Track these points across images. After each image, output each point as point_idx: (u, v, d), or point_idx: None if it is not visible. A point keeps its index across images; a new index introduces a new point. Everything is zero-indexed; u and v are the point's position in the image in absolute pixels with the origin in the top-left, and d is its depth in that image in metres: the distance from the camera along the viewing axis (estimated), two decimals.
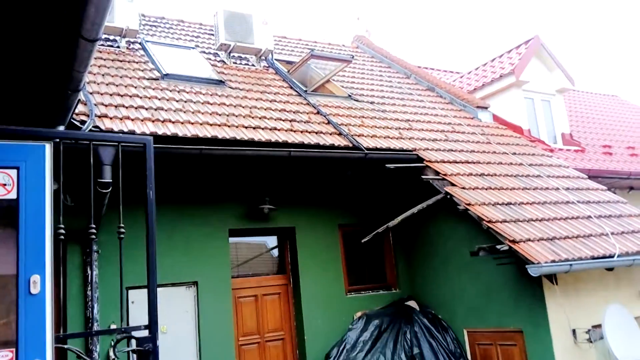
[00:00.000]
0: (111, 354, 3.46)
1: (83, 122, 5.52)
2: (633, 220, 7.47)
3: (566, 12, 40.20)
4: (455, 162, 7.74)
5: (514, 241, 6.02)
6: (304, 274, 7.68)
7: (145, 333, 3.55)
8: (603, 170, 10.09)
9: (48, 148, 3.53)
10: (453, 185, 7.01)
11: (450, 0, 41.41)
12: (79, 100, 5.60)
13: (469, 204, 6.63)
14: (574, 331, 6.38)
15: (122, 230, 4.37)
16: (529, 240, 6.13)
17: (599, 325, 6.31)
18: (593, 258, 6.19)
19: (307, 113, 7.89)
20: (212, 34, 10.34)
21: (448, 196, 6.87)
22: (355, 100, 9.24)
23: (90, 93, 6.41)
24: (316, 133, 7.15)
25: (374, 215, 8.17)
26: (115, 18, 8.20)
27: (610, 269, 6.82)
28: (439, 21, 41.41)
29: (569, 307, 6.41)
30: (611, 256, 6.33)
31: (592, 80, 38.74)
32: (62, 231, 3.46)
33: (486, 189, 7.18)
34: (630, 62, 39.71)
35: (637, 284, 7.30)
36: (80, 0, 2.97)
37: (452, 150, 8.11)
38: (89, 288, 5.78)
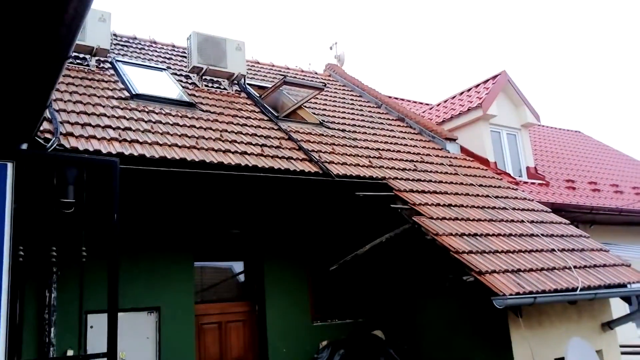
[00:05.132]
0: None
1: (47, 140, 5.37)
2: (595, 254, 7.63)
3: (533, 46, 41.60)
4: (424, 192, 7.80)
5: (479, 272, 6.07)
6: (269, 301, 7.57)
7: None
8: (566, 205, 10.32)
9: (10, 167, 3.43)
10: (421, 214, 7.06)
11: (421, 32, 42.45)
12: (44, 117, 5.48)
13: (436, 234, 6.67)
14: None
15: (84, 252, 4.25)
16: (494, 272, 6.18)
17: (562, 358, 6.37)
18: (556, 291, 6.28)
19: (278, 138, 7.88)
20: (185, 56, 10.30)
21: (416, 226, 6.91)
22: (326, 127, 9.29)
23: (57, 111, 6.27)
24: (287, 159, 7.13)
25: (343, 243, 8.13)
26: (87, 36, 8.08)
27: (573, 302, 6.92)
28: (410, 51, 42.32)
29: (533, 340, 6.45)
30: (574, 289, 6.42)
31: (556, 115, 39.98)
32: (22, 253, 3.33)
33: (453, 220, 7.24)
34: (594, 98, 41.20)
35: (599, 318, 7.42)
36: (52, 20, 2.92)
37: (420, 180, 8.19)
38: (47, 311, 5.56)
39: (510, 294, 5.79)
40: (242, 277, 7.99)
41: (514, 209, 8.35)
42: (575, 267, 6.94)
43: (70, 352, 5.72)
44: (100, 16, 8.33)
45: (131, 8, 36.16)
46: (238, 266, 7.95)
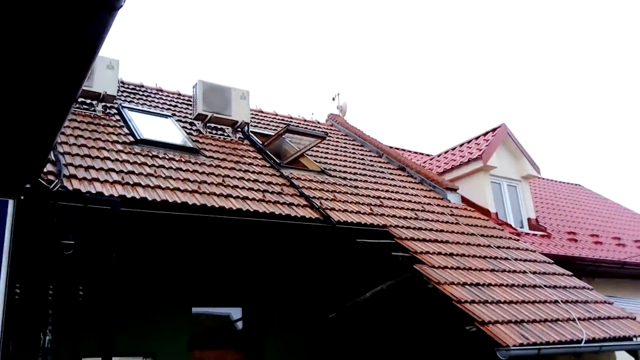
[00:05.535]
0: None
1: (50, 182, 5.40)
2: (599, 306, 7.51)
3: (532, 99, 42.25)
4: (425, 240, 7.76)
5: (482, 322, 5.96)
6: (267, 346, 7.41)
7: None
8: (569, 257, 10.23)
9: (11, 204, 3.44)
10: (422, 263, 7.00)
11: (422, 84, 43.25)
12: (49, 159, 5.53)
13: (438, 283, 6.59)
14: None
15: (81, 292, 4.20)
16: (498, 322, 6.07)
17: None
18: (561, 343, 6.15)
19: (280, 185, 7.90)
20: (190, 104, 10.47)
21: (417, 274, 6.83)
22: (328, 175, 9.33)
23: (61, 153, 6.32)
24: (288, 205, 7.14)
25: (343, 291, 8.01)
26: (94, 82, 8.24)
27: (578, 355, 6.77)
28: (411, 102, 42.98)
29: None
30: (578, 342, 6.29)
31: (555, 167, 40.18)
32: (18, 291, 3.29)
33: (455, 269, 7.17)
34: (594, 152, 41.51)
35: None
36: (59, 65, 2.98)
37: (421, 229, 8.16)
38: (40, 354, 5.42)
39: (514, 345, 5.67)
40: (239, 324, 7.85)
41: (516, 259, 8.28)
42: (579, 318, 6.82)
43: None
44: (109, 63, 8.52)
45: (139, 56, 37.04)
46: (236, 312, 7.82)
